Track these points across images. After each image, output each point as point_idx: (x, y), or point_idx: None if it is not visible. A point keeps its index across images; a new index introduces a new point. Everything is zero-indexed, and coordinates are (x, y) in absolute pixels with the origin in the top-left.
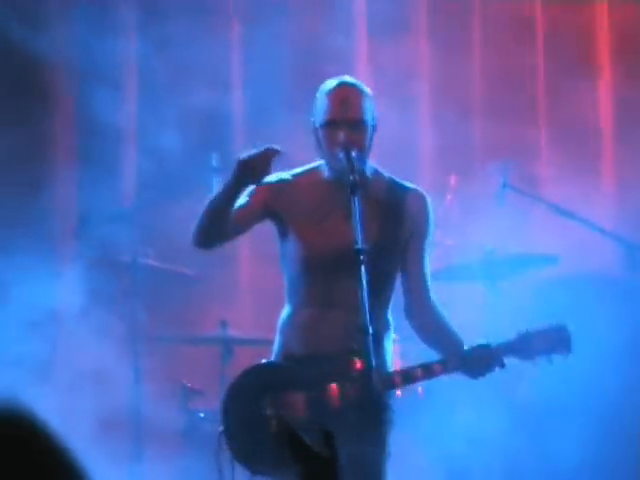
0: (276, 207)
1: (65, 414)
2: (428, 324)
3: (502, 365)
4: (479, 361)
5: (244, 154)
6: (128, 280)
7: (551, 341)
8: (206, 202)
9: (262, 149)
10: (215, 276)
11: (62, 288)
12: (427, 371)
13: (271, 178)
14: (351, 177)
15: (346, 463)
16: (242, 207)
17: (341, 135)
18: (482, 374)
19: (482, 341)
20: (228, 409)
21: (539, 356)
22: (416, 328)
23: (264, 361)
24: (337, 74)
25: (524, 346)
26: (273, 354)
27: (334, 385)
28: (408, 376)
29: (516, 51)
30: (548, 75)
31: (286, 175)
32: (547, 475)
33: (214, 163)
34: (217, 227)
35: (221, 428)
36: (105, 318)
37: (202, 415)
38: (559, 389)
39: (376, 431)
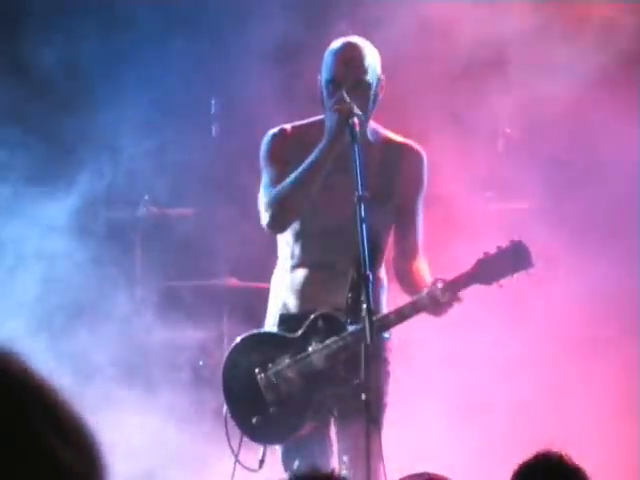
0: (289, 161)
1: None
2: (408, 275)
3: (458, 300)
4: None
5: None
6: (127, 228)
7: (511, 259)
8: (289, 182)
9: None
10: (220, 226)
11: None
12: (399, 314)
13: (282, 134)
14: (350, 122)
15: (345, 415)
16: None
17: (342, 93)
18: (444, 311)
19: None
20: (227, 387)
21: (503, 277)
22: (398, 277)
23: (253, 332)
24: None
25: (486, 271)
26: (268, 314)
27: (328, 342)
28: (385, 321)
29: None
30: None
31: (288, 127)
32: (563, 415)
33: (213, 109)
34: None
35: (225, 407)
36: (104, 263)
37: (201, 363)
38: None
39: (374, 382)
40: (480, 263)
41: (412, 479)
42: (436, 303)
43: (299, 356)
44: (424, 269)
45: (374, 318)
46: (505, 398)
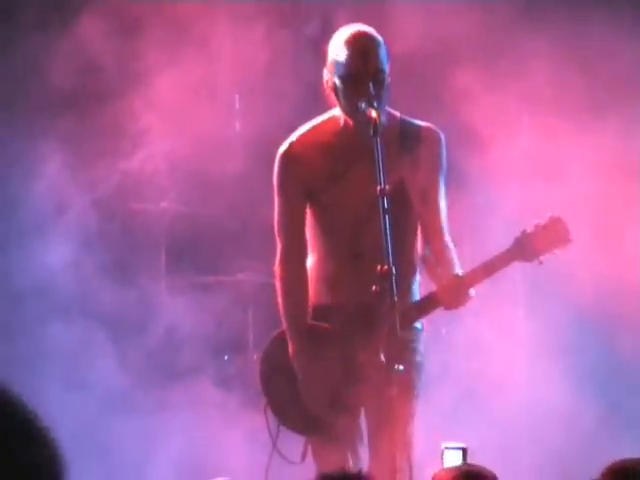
0: (304, 180)
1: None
2: (434, 260)
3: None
4: (454, 292)
5: None
6: (152, 225)
7: (550, 236)
8: (282, 295)
9: None
10: (239, 222)
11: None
12: (421, 309)
13: (290, 152)
14: (373, 117)
15: (377, 407)
16: (301, 219)
17: (363, 88)
18: (457, 305)
19: (456, 273)
20: (265, 378)
21: (542, 254)
22: (424, 262)
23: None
24: None
25: (525, 248)
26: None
27: (362, 337)
28: (419, 309)
29: None
30: None
31: (298, 137)
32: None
33: (237, 105)
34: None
35: (265, 400)
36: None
37: (226, 358)
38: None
39: (405, 374)
40: (519, 241)
41: (449, 471)
42: (452, 297)
43: (338, 348)
44: (448, 255)
45: (401, 310)
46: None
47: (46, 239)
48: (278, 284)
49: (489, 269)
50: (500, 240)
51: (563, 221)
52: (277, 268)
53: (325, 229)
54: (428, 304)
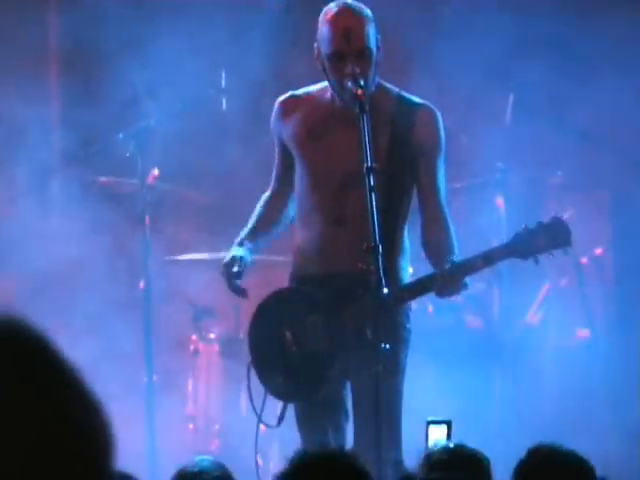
0: (286, 132)
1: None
2: (432, 242)
3: (465, 286)
4: (448, 280)
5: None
6: (137, 203)
7: (550, 236)
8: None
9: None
10: (224, 199)
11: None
12: (412, 291)
13: (285, 103)
14: (358, 95)
15: (364, 381)
16: (281, 163)
17: (347, 67)
18: (450, 294)
19: (450, 261)
20: (252, 339)
21: (540, 253)
22: (423, 244)
23: (281, 288)
24: None
25: (524, 245)
26: (290, 275)
27: (348, 306)
28: (410, 292)
29: None
30: None
31: (299, 93)
32: (557, 397)
33: (223, 83)
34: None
35: (249, 359)
36: (114, 243)
37: (212, 336)
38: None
39: (391, 349)
40: (518, 236)
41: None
42: (444, 283)
43: (327, 316)
44: (444, 237)
45: (390, 288)
46: None
47: None
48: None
49: (487, 260)
50: None
51: (565, 223)
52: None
53: (306, 192)
54: (420, 288)
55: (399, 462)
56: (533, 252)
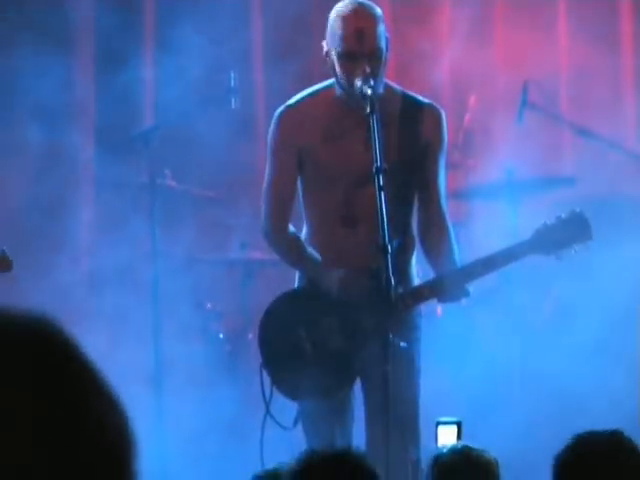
0: (298, 145)
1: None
2: (432, 244)
3: (467, 294)
4: (451, 286)
5: None
6: (146, 202)
7: (570, 230)
8: (281, 251)
9: None
10: (235, 198)
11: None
12: (419, 296)
13: (290, 113)
14: (369, 95)
15: (374, 381)
16: (286, 183)
17: (359, 67)
18: (451, 300)
19: (454, 266)
20: (265, 339)
21: (561, 249)
22: (421, 244)
23: (294, 288)
24: None
25: (545, 241)
26: (297, 275)
27: (362, 305)
28: (414, 297)
29: None
30: None
31: (296, 100)
32: (564, 398)
33: (232, 83)
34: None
35: (261, 360)
36: (122, 240)
37: (221, 336)
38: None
39: (406, 349)
40: (538, 233)
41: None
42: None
43: (343, 315)
44: (446, 242)
45: (400, 290)
46: None
47: None
48: (275, 249)
49: (487, 265)
50: None
51: (585, 217)
52: (268, 234)
53: (318, 193)
54: (423, 294)
55: (418, 461)
56: (555, 247)
